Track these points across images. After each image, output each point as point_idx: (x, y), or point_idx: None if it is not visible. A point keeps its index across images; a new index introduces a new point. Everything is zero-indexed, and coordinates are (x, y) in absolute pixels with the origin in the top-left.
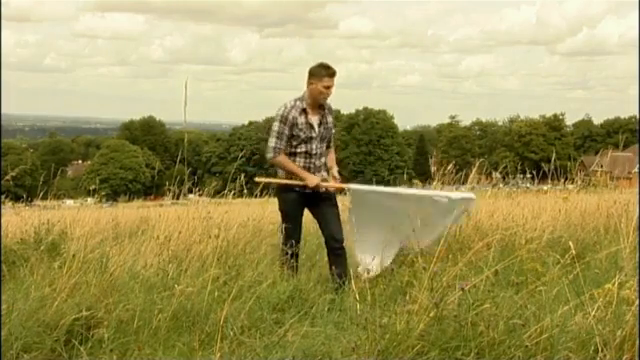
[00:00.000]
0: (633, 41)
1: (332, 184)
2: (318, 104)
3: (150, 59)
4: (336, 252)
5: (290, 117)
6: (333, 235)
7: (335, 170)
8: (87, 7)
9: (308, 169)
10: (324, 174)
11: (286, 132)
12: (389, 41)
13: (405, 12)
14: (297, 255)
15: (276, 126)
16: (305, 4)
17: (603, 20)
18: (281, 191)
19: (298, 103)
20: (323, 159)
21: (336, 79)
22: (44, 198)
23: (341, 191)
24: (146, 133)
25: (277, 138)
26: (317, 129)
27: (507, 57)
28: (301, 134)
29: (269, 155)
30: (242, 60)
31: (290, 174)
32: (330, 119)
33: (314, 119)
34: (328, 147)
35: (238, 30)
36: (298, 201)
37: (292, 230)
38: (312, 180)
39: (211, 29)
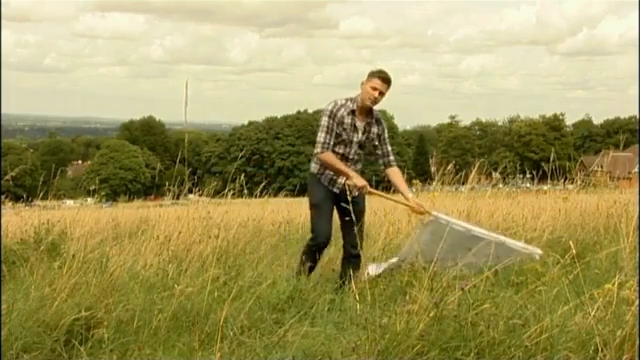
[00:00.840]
0: (633, 41)
1: (394, 198)
2: (367, 109)
3: (150, 59)
4: (351, 259)
5: (339, 114)
6: (351, 241)
7: (409, 194)
8: (87, 7)
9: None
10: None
11: (335, 128)
12: (389, 41)
13: (405, 12)
14: (321, 251)
15: (325, 121)
16: (305, 4)
17: (603, 20)
18: (312, 184)
19: (349, 103)
20: (359, 165)
21: (389, 90)
22: (44, 198)
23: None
24: (146, 133)
25: (326, 133)
26: (360, 135)
27: (507, 57)
28: (343, 134)
29: (317, 150)
30: (242, 60)
31: (336, 172)
32: (375, 130)
33: (360, 124)
34: (388, 164)
35: (238, 30)
36: (328, 195)
37: (323, 224)
38: (359, 181)
39: (211, 29)
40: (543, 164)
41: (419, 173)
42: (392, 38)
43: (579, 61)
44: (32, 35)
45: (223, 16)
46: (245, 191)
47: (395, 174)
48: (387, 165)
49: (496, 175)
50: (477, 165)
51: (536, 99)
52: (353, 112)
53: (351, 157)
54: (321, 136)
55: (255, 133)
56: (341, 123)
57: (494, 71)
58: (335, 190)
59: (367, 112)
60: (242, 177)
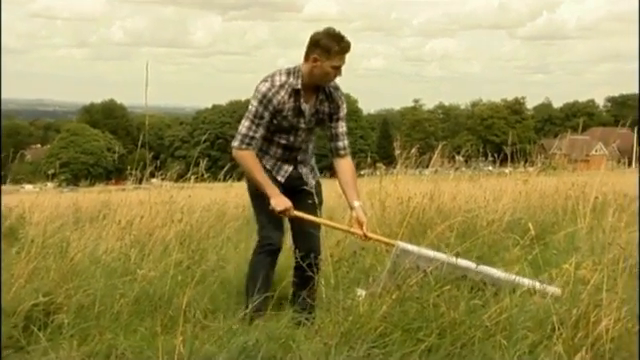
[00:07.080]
0: (590, 25)
1: (336, 225)
2: (316, 86)
3: (111, 41)
4: (307, 272)
5: (275, 101)
6: (310, 248)
7: (360, 210)
8: None
9: (286, 161)
10: (305, 171)
11: (266, 117)
12: (353, 24)
13: None
14: (274, 259)
15: (253, 107)
16: None
17: (562, 4)
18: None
19: (292, 80)
20: (310, 148)
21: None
22: (2, 182)
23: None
24: (107, 116)
25: (252, 123)
26: (307, 118)
27: (470, 41)
28: (284, 123)
29: (235, 144)
30: (205, 43)
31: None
32: (325, 109)
33: (307, 105)
34: (336, 151)
35: (201, 13)
36: (275, 183)
37: (270, 222)
38: (279, 203)
39: (173, 11)
40: (504, 147)
41: (383, 157)
42: (356, 22)
43: (539, 45)
44: None
45: None
46: (206, 176)
47: (344, 169)
48: (335, 153)
49: (459, 158)
50: (440, 148)
51: (498, 83)
52: (297, 92)
53: (297, 146)
54: (244, 125)
55: (219, 117)
56: (280, 111)
57: (457, 54)
58: (280, 179)
59: (315, 88)
60: (204, 162)
